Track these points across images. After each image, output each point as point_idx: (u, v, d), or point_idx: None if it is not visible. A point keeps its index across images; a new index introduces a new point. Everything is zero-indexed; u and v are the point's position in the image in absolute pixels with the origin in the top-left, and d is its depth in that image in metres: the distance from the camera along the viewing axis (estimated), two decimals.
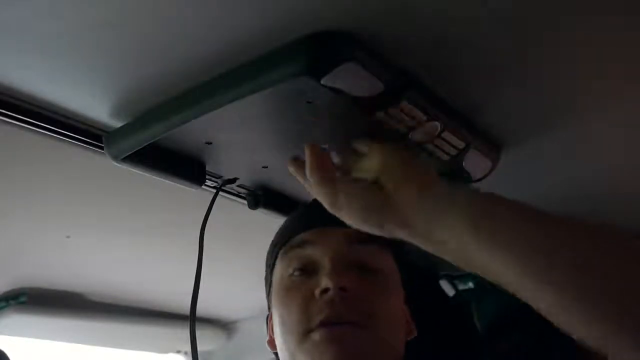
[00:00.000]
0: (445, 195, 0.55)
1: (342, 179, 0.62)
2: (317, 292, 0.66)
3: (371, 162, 0.61)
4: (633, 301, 0.41)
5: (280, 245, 0.74)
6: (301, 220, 0.75)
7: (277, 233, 0.77)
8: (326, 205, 0.61)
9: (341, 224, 0.69)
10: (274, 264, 0.75)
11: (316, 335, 0.64)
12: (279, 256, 0.74)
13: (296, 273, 0.70)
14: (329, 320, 0.64)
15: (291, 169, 0.66)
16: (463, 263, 0.52)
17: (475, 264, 0.50)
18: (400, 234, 0.57)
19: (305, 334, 0.65)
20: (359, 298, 0.65)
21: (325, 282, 0.65)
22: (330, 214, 0.69)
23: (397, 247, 0.73)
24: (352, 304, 0.65)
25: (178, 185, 0.72)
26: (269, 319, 0.78)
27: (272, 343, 0.75)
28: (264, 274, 0.79)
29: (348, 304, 0.64)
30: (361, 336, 0.64)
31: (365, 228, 0.59)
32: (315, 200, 0.73)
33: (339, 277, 0.65)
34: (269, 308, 0.78)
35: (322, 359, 0.63)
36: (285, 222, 0.78)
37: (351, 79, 0.54)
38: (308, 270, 0.69)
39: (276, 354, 0.74)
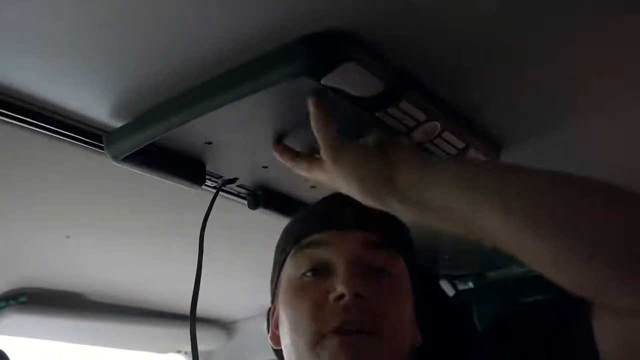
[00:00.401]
0: (436, 162, 0.58)
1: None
2: (331, 297, 0.65)
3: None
4: (630, 246, 0.43)
5: (292, 242, 0.73)
6: (316, 220, 0.73)
7: (289, 230, 0.76)
8: (329, 158, 0.59)
9: (357, 227, 0.70)
10: (284, 261, 0.73)
11: (330, 342, 0.63)
12: (290, 254, 0.72)
13: (308, 274, 0.69)
14: (343, 328, 0.63)
15: (276, 154, 0.66)
16: (464, 226, 0.53)
17: (476, 224, 0.51)
18: (397, 205, 0.57)
19: (317, 338, 0.64)
20: (373, 304, 0.65)
21: (340, 288, 0.64)
22: (347, 217, 0.70)
23: (407, 251, 0.74)
24: (366, 310, 0.64)
25: (178, 185, 0.72)
26: (271, 313, 0.77)
27: (276, 339, 0.74)
28: (264, 274, 0.78)
29: (362, 310, 0.64)
30: (374, 345, 0.64)
31: (366, 199, 0.58)
32: (331, 201, 0.73)
33: (354, 282, 0.65)
34: (272, 302, 0.77)
35: None
36: (298, 219, 0.76)
37: (351, 79, 0.54)
38: (321, 271, 0.68)
39: (278, 350, 0.73)
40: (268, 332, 0.78)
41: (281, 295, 0.72)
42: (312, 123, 0.59)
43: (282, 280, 0.73)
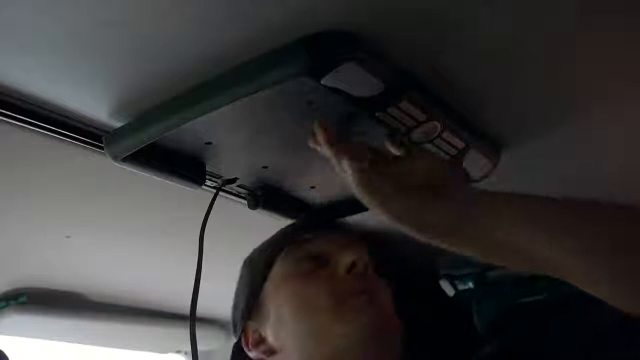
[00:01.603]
0: (476, 195, 0.56)
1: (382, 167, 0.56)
2: (342, 269, 0.68)
3: (415, 163, 0.58)
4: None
5: (280, 247, 0.75)
6: (300, 226, 0.77)
7: (270, 242, 0.78)
8: (360, 187, 0.54)
9: (342, 228, 0.73)
10: (269, 270, 0.74)
11: (357, 301, 0.66)
12: (279, 258, 0.74)
13: (306, 263, 0.71)
14: (365, 289, 0.67)
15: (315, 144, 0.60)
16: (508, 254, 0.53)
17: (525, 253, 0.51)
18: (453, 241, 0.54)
19: (340, 303, 0.66)
20: (374, 279, 0.71)
21: (350, 257, 0.68)
22: (327, 220, 0.74)
23: (378, 253, 0.79)
24: (372, 282, 0.70)
25: (178, 185, 0.72)
26: (244, 341, 0.75)
27: (260, 348, 0.73)
28: None
29: (371, 281, 0.69)
30: (389, 306, 0.69)
31: (426, 239, 0.55)
32: (315, 210, 0.76)
33: (360, 255, 0.70)
34: (242, 328, 0.75)
35: (368, 318, 0.65)
36: (278, 233, 0.79)
37: (351, 79, 0.54)
38: (320, 260, 0.71)
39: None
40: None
41: (276, 291, 0.72)
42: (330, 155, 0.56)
43: (270, 285, 0.74)
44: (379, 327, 0.66)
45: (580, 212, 0.51)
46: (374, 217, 0.58)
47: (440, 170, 0.58)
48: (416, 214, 0.53)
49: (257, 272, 0.77)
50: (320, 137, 0.57)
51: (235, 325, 0.79)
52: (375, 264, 0.76)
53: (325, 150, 0.57)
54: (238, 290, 0.79)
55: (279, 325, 0.71)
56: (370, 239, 0.79)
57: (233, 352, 0.80)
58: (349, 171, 0.54)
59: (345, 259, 0.69)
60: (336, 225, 0.77)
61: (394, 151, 0.61)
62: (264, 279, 0.75)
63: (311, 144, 0.61)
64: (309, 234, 0.74)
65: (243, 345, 0.77)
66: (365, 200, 0.54)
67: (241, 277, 0.80)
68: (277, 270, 0.74)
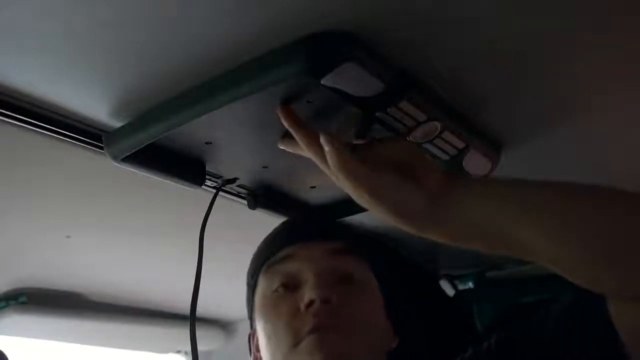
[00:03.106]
0: (467, 182, 0.58)
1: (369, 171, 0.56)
2: (302, 305, 0.68)
3: (393, 148, 0.58)
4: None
5: (261, 263, 0.76)
6: (281, 237, 0.76)
7: (257, 253, 0.79)
8: (364, 193, 0.54)
9: (321, 238, 0.74)
10: (255, 283, 0.76)
11: (306, 342, 0.66)
12: (261, 274, 0.75)
13: (280, 289, 0.72)
14: (316, 327, 0.66)
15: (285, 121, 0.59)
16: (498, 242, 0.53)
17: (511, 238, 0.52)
18: (433, 227, 0.55)
19: (294, 345, 0.67)
20: (342, 308, 0.68)
21: (309, 294, 0.68)
22: (311, 230, 0.75)
23: (372, 257, 0.78)
24: (336, 313, 0.68)
25: (178, 185, 0.72)
26: (252, 338, 0.79)
27: (258, 355, 0.76)
28: None
29: (332, 314, 0.67)
30: (346, 341, 0.67)
31: (401, 222, 0.55)
32: (295, 219, 0.76)
33: (322, 290, 0.68)
34: (252, 326, 0.79)
35: (317, 359, 0.65)
36: (265, 241, 0.79)
37: (351, 79, 0.54)
38: (291, 285, 0.72)
39: None
40: (250, 357, 0.79)
41: (257, 315, 0.74)
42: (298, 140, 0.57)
43: (256, 301, 0.76)
44: None
45: (558, 191, 0.53)
46: (373, 218, 0.58)
47: (412, 152, 0.59)
48: (391, 192, 0.54)
49: (249, 283, 0.79)
50: (286, 121, 0.57)
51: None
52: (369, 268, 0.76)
53: (295, 134, 0.57)
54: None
55: (261, 344, 0.73)
56: (368, 240, 0.78)
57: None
58: (327, 149, 0.54)
59: (304, 297, 0.68)
60: (320, 235, 0.76)
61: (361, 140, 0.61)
62: (253, 292, 0.77)
63: (281, 145, 0.63)
64: (285, 249, 0.74)
65: (250, 346, 0.79)
66: (341, 180, 0.54)
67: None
68: (261, 286, 0.75)
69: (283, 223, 0.80)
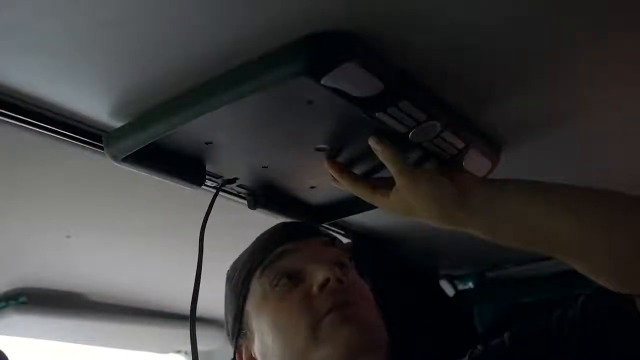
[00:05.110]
0: (494, 182, 0.63)
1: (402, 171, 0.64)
2: (315, 288, 0.68)
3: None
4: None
5: (254, 267, 0.74)
6: (274, 239, 0.76)
7: (244, 261, 0.76)
8: (405, 184, 0.64)
9: (312, 235, 0.76)
10: (247, 290, 0.74)
11: (327, 320, 0.66)
12: (255, 279, 0.73)
13: (283, 281, 0.71)
14: (335, 306, 0.67)
15: (332, 172, 0.71)
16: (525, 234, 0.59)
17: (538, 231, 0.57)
18: (469, 221, 0.61)
19: (315, 325, 0.66)
20: (353, 286, 0.71)
21: (323, 274, 0.68)
22: (302, 228, 0.77)
23: (357, 254, 0.79)
24: (350, 290, 0.70)
25: (178, 185, 0.72)
26: (240, 354, 0.75)
27: None
28: None
29: (347, 291, 0.69)
30: (367, 312, 0.70)
31: (441, 220, 0.63)
32: (278, 226, 0.78)
33: (333, 270, 0.69)
34: (236, 344, 0.75)
35: (342, 337, 0.65)
36: (253, 248, 0.77)
37: (351, 79, 0.54)
38: (294, 277, 0.71)
39: None
40: None
41: (257, 318, 0.72)
42: (382, 157, 0.64)
43: (252, 305, 0.73)
44: (358, 342, 0.65)
45: (578, 189, 0.58)
46: (373, 218, 0.58)
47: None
48: (431, 186, 0.63)
49: (237, 292, 0.76)
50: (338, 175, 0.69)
51: (230, 341, 0.79)
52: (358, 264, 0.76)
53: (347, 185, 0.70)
54: (225, 309, 0.79)
55: (265, 349, 0.71)
56: (367, 238, 0.78)
57: None
58: (390, 164, 0.64)
59: (317, 277, 0.68)
60: (311, 232, 0.77)
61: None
62: (244, 299, 0.74)
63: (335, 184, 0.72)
64: (281, 246, 0.73)
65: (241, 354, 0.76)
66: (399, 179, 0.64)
67: (225, 295, 0.79)
68: (254, 290, 0.73)
69: (271, 229, 0.79)
